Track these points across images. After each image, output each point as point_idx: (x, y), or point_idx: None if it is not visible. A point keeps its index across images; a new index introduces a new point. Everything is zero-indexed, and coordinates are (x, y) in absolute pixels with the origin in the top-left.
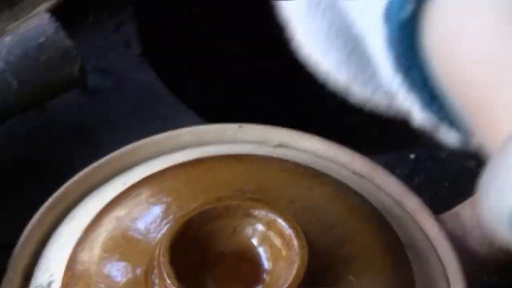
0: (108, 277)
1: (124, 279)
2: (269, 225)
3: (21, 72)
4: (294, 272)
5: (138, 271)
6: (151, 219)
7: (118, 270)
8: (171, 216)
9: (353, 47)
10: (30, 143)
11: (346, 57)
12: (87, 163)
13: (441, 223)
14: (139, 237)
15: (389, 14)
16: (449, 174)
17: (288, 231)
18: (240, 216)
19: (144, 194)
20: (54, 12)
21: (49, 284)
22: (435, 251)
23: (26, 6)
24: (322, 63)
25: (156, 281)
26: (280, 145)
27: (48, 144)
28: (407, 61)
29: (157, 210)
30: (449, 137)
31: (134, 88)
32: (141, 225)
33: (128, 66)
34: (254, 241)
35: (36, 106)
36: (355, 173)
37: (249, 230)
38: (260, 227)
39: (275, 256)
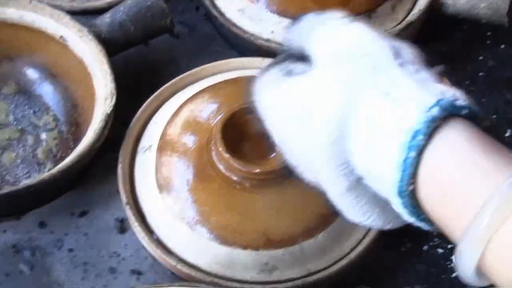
0: (184, 144)
1: (193, 146)
2: None
3: (136, 21)
4: None
5: (202, 141)
6: (210, 111)
7: (190, 140)
8: (222, 110)
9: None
10: (138, 66)
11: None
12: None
13: None
14: (203, 121)
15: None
16: None
17: None
18: None
19: (207, 96)
20: None
21: (150, 146)
22: None
23: None
24: None
25: (213, 148)
26: None
27: (148, 66)
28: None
29: (214, 106)
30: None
31: (202, 35)
32: (204, 114)
33: (198, 22)
34: None
35: (143, 42)
36: None
37: None
38: None
39: None
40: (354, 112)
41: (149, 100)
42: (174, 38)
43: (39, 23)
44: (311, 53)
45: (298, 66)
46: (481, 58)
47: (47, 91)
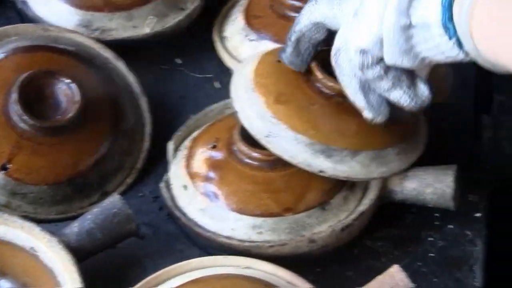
0: None
1: None
2: None
3: (103, 228)
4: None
5: None
6: None
7: None
8: None
9: None
10: (105, 270)
11: None
12: None
13: None
14: None
15: None
16: None
17: None
18: None
19: None
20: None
21: None
22: None
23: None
24: None
25: None
26: (247, 267)
27: (116, 269)
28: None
29: None
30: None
31: (166, 235)
32: None
33: (162, 222)
34: None
35: (111, 247)
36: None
37: None
38: None
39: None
40: None
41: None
42: (140, 239)
43: (10, 235)
44: None
45: None
46: (430, 239)
47: None
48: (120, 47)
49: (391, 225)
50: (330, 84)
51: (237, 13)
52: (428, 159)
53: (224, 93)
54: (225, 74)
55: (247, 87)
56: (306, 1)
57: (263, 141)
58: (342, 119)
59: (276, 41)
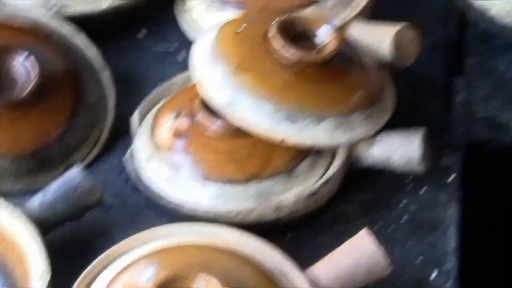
0: None
1: None
2: None
3: (66, 200)
4: None
5: None
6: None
7: None
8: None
9: None
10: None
11: None
12: None
13: (307, 278)
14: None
15: None
16: None
17: None
18: None
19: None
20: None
21: None
22: None
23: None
24: None
25: None
26: (213, 234)
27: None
28: None
29: (150, 272)
30: None
31: (132, 206)
32: (142, 279)
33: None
34: None
35: (75, 219)
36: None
37: None
38: None
39: None
40: None
41: (83, 273)
42: (106, 210)
43: None
44: None
45: None
46: (403, 203)
47: None
48: (80, 22)
49: (364, 190)
50: (291, 52)
51: None
52: (398, 124)
53: (187, 65)
54: (189, 46)
55: (208, 56)
56: None
57: (225, 110)
58: (305, 86)
59: (240, 7)
